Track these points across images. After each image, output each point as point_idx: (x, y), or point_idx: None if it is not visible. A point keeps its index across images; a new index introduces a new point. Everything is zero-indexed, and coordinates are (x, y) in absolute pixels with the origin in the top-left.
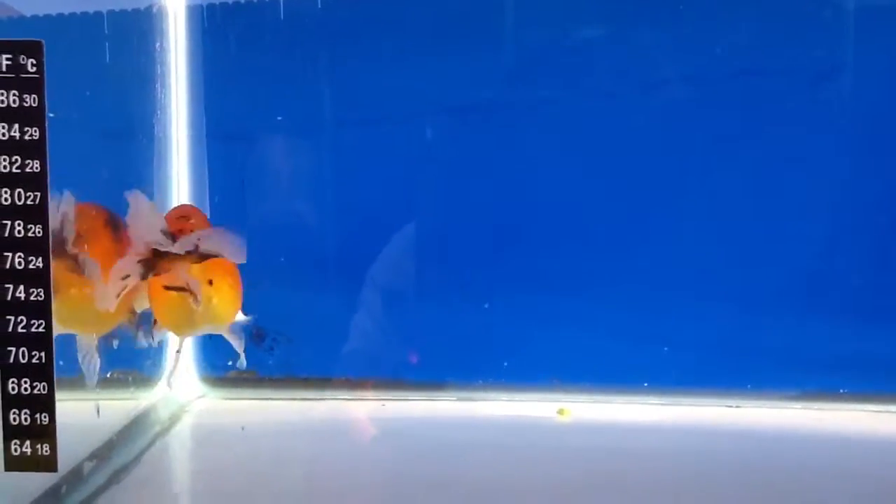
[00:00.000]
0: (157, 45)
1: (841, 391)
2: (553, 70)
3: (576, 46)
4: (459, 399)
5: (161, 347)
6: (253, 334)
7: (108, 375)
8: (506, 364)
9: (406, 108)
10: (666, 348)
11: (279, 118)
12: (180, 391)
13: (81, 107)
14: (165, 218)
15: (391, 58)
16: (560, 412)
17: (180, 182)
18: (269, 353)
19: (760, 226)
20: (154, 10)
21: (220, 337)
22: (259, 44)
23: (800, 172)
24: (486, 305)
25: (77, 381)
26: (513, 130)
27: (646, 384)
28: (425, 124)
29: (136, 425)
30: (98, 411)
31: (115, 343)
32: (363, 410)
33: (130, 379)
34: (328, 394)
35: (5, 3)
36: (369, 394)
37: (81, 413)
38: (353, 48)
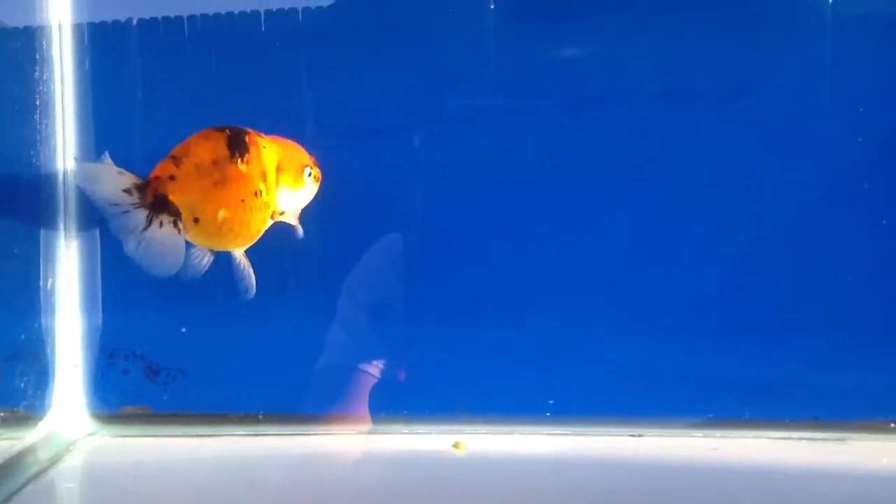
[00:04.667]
0: (37, 72)
1: (744, 417)
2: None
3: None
4: (357, 433)
5: (45, 384)
6: (146, 370)
7: None
8: (407, 395)
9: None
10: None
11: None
12: (67, 429)
13: None
14: None
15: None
16: (455, 446)
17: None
18: (163, 389)
19: (662, 252)
20: (34, 32)
21: (112, 371)
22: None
23: (705, 198)
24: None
25: None
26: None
27: (548, 414)
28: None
29: (6, 468)
30: None
31: None
32: (264, 446)
33: (3, 418)
34: (224, 430)
35: None
36: (268, 429)
37: None
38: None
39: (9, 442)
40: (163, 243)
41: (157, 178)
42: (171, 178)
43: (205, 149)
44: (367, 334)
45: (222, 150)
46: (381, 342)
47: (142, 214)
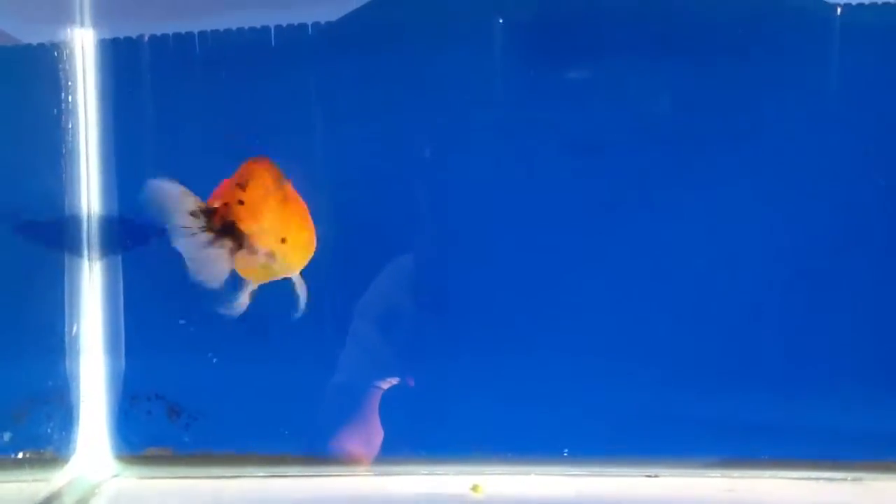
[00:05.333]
0: (54, 110)
1: (760, 457)
2: None
3: None
4: (376, 474)
5: (70, 427)
6: (168, 411)
7: (21, 456)
8: (425, 436)
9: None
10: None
11: None
12: (92, 471)
13: None
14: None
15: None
16: (473, 489)
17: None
18: (184, 430)
19: (678, 292)
20: (57, 67)
21: (135, 413)
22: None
23: (717, 237)
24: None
25: None
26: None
27: (566, 453)
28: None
29: None
30: None
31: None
32: (285, 487)
33: (31, 461)
34: (246, 471)
35: None
36: (290, 470)
37: None
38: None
39: (36, 485)
40: (212, 263)
41: (225, 205)
42: (240, 202)
43: (264, 169)
44: (384, 375)
45: (276, 170)
46: (399, 383)
47: (207, 238)
